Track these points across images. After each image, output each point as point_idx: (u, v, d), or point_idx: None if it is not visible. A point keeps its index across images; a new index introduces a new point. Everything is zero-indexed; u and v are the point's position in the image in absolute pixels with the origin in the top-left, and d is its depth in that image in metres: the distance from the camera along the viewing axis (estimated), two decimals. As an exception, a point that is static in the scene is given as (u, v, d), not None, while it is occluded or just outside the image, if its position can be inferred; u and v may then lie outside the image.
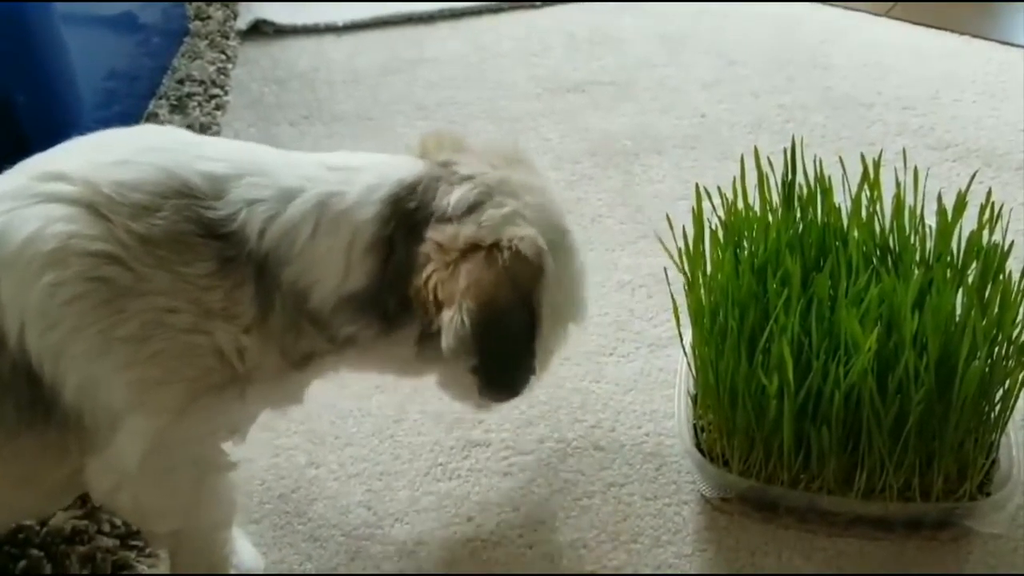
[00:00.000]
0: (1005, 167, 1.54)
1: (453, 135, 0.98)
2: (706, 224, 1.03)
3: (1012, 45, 1.83)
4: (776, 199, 1.06)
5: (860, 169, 1.06)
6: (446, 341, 0.87)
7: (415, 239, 0.89)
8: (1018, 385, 0.96)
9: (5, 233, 0.82)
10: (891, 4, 1.97)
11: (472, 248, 0.88)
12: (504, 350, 0.92)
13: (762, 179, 1.06)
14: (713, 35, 1.91)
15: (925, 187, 1.05)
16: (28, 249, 0.81)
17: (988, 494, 1.01)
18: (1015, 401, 0.98)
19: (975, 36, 1.85)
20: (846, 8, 1.98)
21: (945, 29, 1.88)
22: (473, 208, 0.90)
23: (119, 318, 0.83)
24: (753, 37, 1.90)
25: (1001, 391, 0.96)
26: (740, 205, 1.05)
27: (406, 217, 0.89)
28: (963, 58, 1.80)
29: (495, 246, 0.88)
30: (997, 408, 0.97)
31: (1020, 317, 0.96)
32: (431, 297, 0.88)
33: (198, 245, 0.85)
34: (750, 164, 1.07)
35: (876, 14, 1.95)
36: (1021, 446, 1.03)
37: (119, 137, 0.92)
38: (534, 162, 0.99)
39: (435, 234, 0.88)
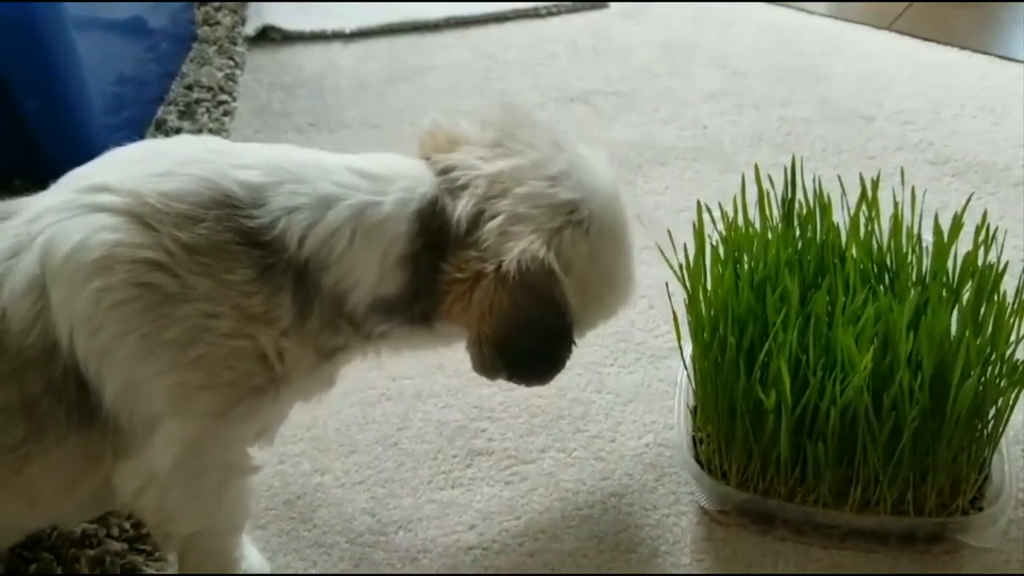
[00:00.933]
0: (1004, 183, 1.56)
1: (447, 131, 0.99)
2: (707, 239, 1.05)
3: (1013, 60, 1.85)
4: (776, 215, 1.08)
5: (859, 185, 1.08)
6: (474, 368, 0.94)
7: (435, 257, 0.92)
8: (1011, 403, 0.97)
9: (52, 244, 0.85)
10: (893, 17, 1.99)
11: (478, 276, 0.90)
12: (536, 355, 0.95)
13: (762, 196, 1.08)
14: (716, 45, 1.93)
15: (923, 203, 1.07)
16: (75, 257, 0.84)
17: (981, 509, 1.03)
18: (1008, 419, 1.00)
19: (976, 51, 1.87)
20: (848, 21, 2.00)
21: (946, 43, 1.90)
22: (473, 223, 0.92)
23: (163, 323, 0.86)
24: (755, 48, 1.91)
25: (994, 409, 0.98)
26: (740, 221, 1.07)
27: (430, 236, 0.92)
28: (964, 72, 1.82)
29: (499, 270, 0.90)
30: (990, 425, 0.99)
31: (1014, 336, 0.98)
32: (453, 317, 0.92)
33: (239, 253, 0.87)
34: (750, 177, 1.09)
35: (878, 27, 1.97)
36: (1013, 462, 1.05)
37: (159, 149, 0.94)
38: (528, 117, 0.98)
39: (448, 266, 0.91)
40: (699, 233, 1.05)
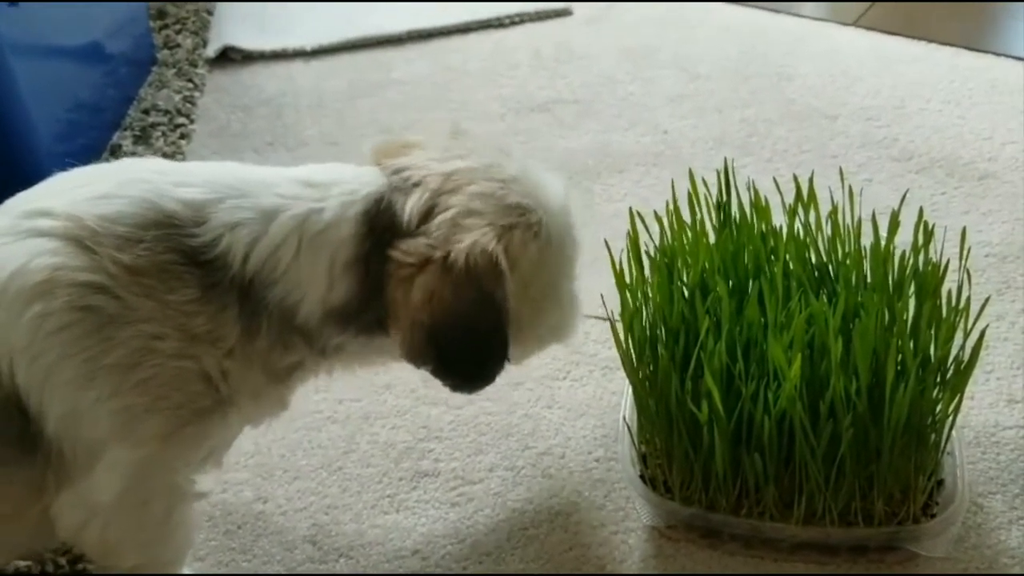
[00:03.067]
0: (968, 177, 1.53)
1: (399, 141, 0.98)
2: (642, 247, 1.03)
3: (980, 52, 1.81)
4: (712, 220, 1.05)
5: (807, 185, 1.05)
6: (402, 355, 0.91)
7: (385, 256, 0.90)
8: (951, 407, 0.94)
9: None
10: (860, 12, 1.96)
11: (424, 262, 0.89)
12: (468, 354, 0.93)
13: (693, 202, 1.05)
14: (678, 49, 1.90)
15: (883, 200, 1.03)
16: (15, 282, 0.83)
17: (935, 516, 1.00)
18: (952, 423, 0.97)
19: (943, 43, 1.84)
20: (814, 19, 1.97)
21: (913, 37, 1.87)
22: (425, 216, 0.90)
23: (106, 346, 0.84)
24: (719, 51, 1.89)
25: (939, 412, 0.95)
26: (676, 227, 1.05)
27: (378, 235, 0.90)
28: (930, 65, 1.79)
29: (447, 259, 0.88)
30: (934, 430, 0.96)
31: (959, 339, 0.95)
32: (395, 312, 0.90)
33: (182, 272, 0.86)
34: (712, 180, 1.06)
35: (844, 24, 1.94)
36: (966, 466, 1.02)
37: (100, 172, 0.93)
38: (474, 134, 0.99)
39: (394, 252, 0.89)
40: (633, 241, 1.03)
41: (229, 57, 1.98)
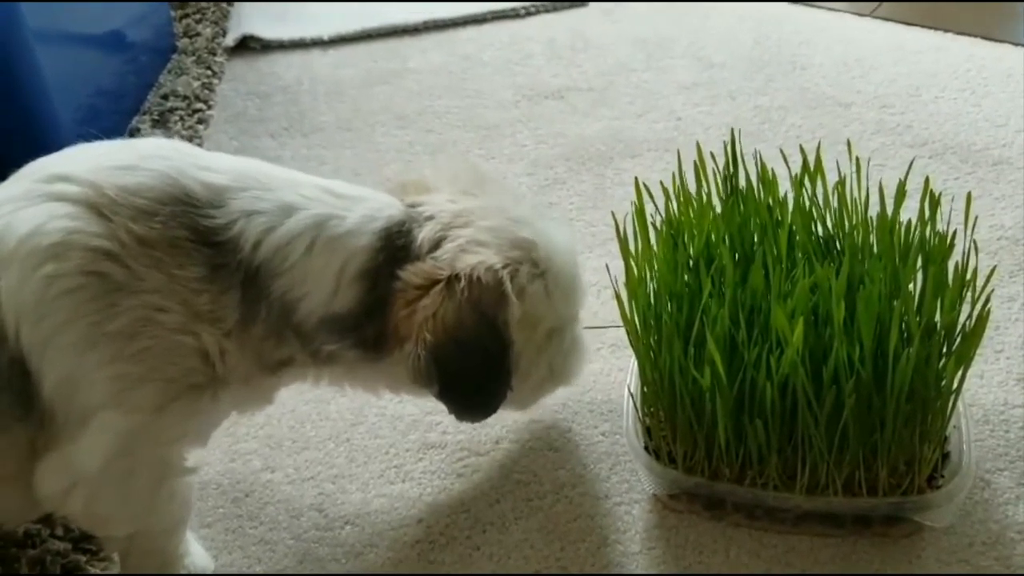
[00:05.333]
0: (982, 163, 1.52)
1: (416, 180, 1.02)
2: (648, 218, 1.03)
3: (995, 40, 1.80)
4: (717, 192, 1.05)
5: (814, 159, 1.05)
6: (408, 375, 0.93)
7: (394, 276, 0.92)
8: (957, 376, 0.94)
9: (7, 231, 0.85)
10: (876, 4, 1.95)
11: (431, 283, 0.91)
12: (469, 378, 0.94)
13: (700, 172, 1.05)
14: (694, 39, 1.90)
15: (908, 171, 1.03)
16: (28, 243, 0.84)
17: (940, 488, 1.00)
18: (957, 392, 0.96)
19: (959, 33, 1.83)
20: (830, 9, 1.97)
21: (929, 27, 1.86)
22: (435, 245, 0.93)
23: (110, 312, 0.85)
24: (734, 40, 1.89)
25: (943, 381, 0.94)
26: (683, 200, 1.05)
27: (392, 253, 0.92)
28: (945, 54, 1.78)
29: (453, 278, 0.90)
30: (940, 399, 0.96)
31: (959, 307, 0.94)
32: (399, 333, 0.92)
33: (191, 250, 0.88)
34: (710, 156, 1.07)
35: (860, 14, 1.94)
36: (972, 441, 1.01)
37: (126, 145, 0.95)
38: (494, 178, 1.02)
39: (403, 272, 0.91)
40: (639, 211, 1.03)
41: (248, 46, 2.00)
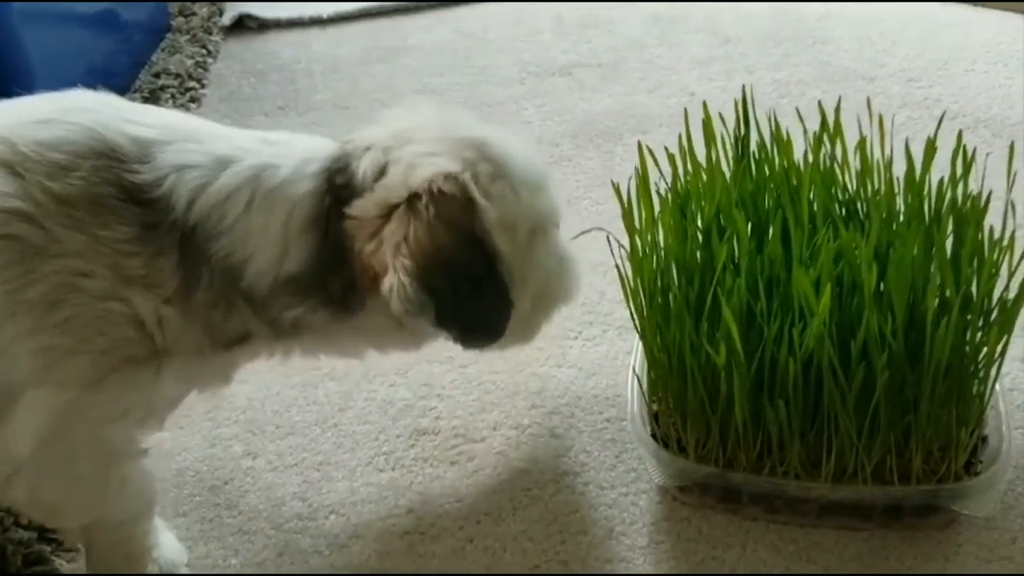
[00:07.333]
0: (1017, 136, 1.43)
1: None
2: (652, 185, 0.95)
3: (1026, 13, 1.72)
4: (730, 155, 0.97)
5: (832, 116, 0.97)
6: (395, 308, 0.83)
7: (345, 217, 0.84)
8: (998, 350, 0.85)
9: None
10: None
11: (389, 208, 0.83)
12: (462, 293, 0.85)
13: (708, 134, 0.97)
14: (709, 14, 1.82)
15: (938, 127, 0.95)
16: None
17: (978, 475, 0.91)
18: (998, 368, 0.87)
19: (987, 4, 1.74)
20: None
21: (954, 0, 1.77)
22: (380, 173, 0.85)
23: (28, 279, 0.78)
24: (750, 13, 1.81)
25: (980, 356, 0.86)
26: (692, 166, 0.96)
27: (337, 192, 0.84)
28: (974, 28, 1.70)
29: (412, 197, 0.82)
30: (979, 377, 0.87)
31: (1005, 273, 0.86)
32: (369, 273, 0.83)
33: (118, 208, 0.80)
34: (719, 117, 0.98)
35: (883, -12, 1.85)
36: (1013, 425, 0.92)
37: (48, 98, 0.87)
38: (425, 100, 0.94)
39: (352, 210, 0.83)
40: (643, 177, 0.95)
41: (245, 25, 1.93)
